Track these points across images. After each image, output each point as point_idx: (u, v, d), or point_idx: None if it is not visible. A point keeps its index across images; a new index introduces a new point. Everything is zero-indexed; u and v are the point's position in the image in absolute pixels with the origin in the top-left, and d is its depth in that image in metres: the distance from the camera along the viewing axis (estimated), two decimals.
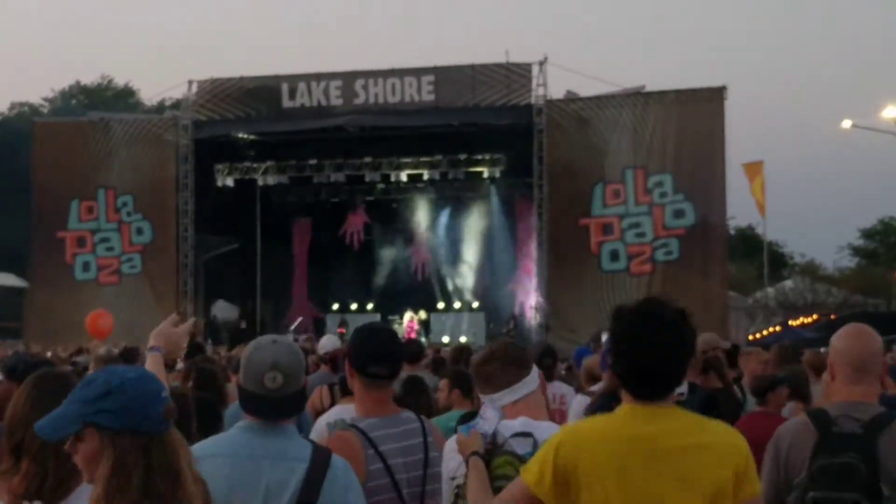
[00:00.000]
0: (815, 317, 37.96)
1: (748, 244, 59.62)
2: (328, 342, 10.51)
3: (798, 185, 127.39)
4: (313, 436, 6.62)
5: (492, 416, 4.09)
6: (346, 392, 7.35)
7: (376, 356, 4.68)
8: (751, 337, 36.90)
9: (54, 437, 3.02)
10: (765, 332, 37.20)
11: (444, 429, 6.95)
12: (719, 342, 9.97)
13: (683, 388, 7.11)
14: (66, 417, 3.00)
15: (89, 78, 69.02)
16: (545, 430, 3.99)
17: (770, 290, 49.40)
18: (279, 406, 3.85)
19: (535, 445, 3.83)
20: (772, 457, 4.42)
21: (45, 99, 66.14)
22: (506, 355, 4.41)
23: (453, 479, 4.01)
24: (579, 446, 3.52)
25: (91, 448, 2.98)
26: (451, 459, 4.17)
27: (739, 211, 51.71)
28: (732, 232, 54.10)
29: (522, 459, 3.72)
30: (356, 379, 4.72)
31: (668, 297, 3.63)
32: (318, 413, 7.56)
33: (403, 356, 5.25)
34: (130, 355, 11.60)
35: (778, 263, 63.93)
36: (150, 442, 2.98)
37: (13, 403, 4.03)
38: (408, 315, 39.94)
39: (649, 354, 3.46)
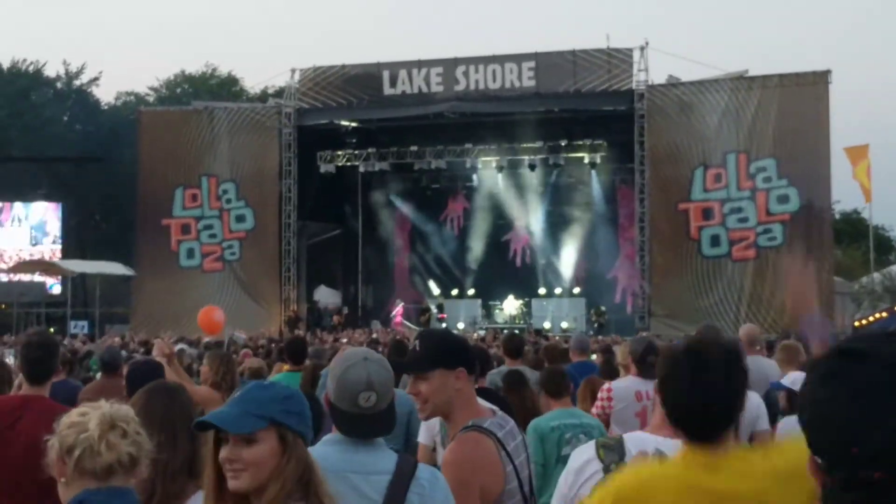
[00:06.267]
0: None
1: (854, 228, 58.48)
2: None
3: None
4: (423, 426, 6.65)
5: None
6: None
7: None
8: (857, 323, 36.18)
9: (240, 430, 2.97)
10: (871, 318, 36.42)
11: (544, 429, 6.98)
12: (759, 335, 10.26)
13: None
14: (252, 414, 2.99)
15: (194, 67, 69.89)
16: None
17: (876, 276, 48.42)
18: (373, 424, 3.80)
19: None
20: None
21: (151, 88, 67.00)
22: None
23: None
24: (641, 497, 3.14)
25: (269, 448, 2.98)
26: (576, 481, 3.70)
27: (844, 195, 50.82)
28: (837, 216, 53.16)
29: None
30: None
31: (718, 333, 3.36)
32: None
33: None
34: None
35: (884, 248, 62.66)
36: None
37: None
38: (509, 300, 39.97)
39: (690, 394, 3.15)
